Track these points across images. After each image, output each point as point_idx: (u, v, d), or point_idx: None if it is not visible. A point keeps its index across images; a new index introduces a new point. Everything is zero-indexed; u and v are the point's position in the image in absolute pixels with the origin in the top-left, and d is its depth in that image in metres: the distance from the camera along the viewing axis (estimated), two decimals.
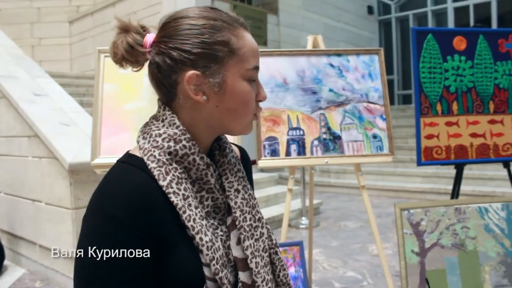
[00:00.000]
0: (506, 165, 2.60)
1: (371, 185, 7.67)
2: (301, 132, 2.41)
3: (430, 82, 2.40)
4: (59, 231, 3.49)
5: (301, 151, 2.39)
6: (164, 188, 0.78)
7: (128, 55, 0.85)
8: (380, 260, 2.41)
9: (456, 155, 2.42)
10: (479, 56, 2.46)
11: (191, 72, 0.81)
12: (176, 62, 0.81)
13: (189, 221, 0.78)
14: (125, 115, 2.42)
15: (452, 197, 2.65)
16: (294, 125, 2.41)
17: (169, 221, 0.78)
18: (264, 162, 2.36)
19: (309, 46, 2.65)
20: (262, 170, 6.95)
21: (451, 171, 6.74)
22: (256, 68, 0.85)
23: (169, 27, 0.84)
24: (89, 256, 0.73)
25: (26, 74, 4.56)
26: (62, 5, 9.58)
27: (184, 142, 0.82)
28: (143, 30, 0.87)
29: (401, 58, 12.56)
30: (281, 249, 2.30)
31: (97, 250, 0.73)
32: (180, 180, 0.80)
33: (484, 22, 10.30)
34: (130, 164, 0.81)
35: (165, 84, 0.84)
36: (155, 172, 0.79)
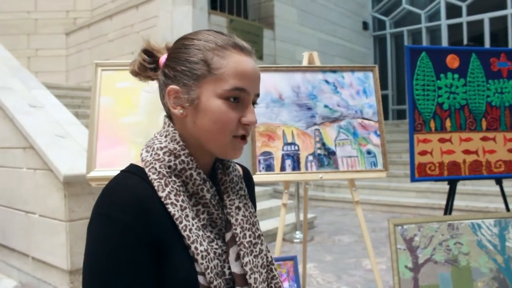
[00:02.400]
0: (498, 181, 2.62)
1: (365, 200, 7.69)
2: (296, 148, 2.43)
3: (424, 99, 2.44)
4: (53, 243, 3.48)
5: (296, 166, 2.40)
6: (163, 199, 0.82)
7: (140, 71, 0.96)
8: (374, 275, 2.42)
9: (449, 171, 2.45)
10: (472, 74, 2.50)
11: (170, 87, 0.87)
12: (166, 78, 0.90)
13: (185, 230, 0.82)
14: (121, 128, 2.43)
15: (445, 213, 2.67)
16: (289, 140, 2.43)
17: (167, 229, 0.81)
18: (259, 176, 2.37)
19: (305, 62, 2.68)
20: (258, 184, 6.95)
21: (445, 186, 6.77)
22: (238, 89, 0.85)
23: (171, 48, 0.93)
24: (97, 262, 0.76)
25: (22, 86, 4.56)
26: (59, 17, 9.63)
27: (183, 157, 0.87)
28: (167, 50, 0.95)
29: (396, 73, 12.67)
30: (275, 263, 2.30)
31: (105, 255, 0.76)
32: (178, 192, 0.84)
33: (477, 40, 10.46)
34: (132, 173, 0.85)
35: (163, 99, 0.92)
36: (155, 184, 0.83)
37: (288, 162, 2.40)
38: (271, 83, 2.48)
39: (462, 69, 2.48)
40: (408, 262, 2.09)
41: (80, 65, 9.20)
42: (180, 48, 0.89)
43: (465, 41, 10.94)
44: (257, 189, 6.44)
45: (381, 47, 13.06)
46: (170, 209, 0.82)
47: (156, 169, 0.85)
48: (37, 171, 3.64)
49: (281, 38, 9.49)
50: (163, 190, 0.83)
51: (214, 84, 0.85)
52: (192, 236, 0.82)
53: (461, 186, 7.15)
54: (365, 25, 12.68)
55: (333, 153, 2.45)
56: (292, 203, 6.15)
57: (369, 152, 2.47)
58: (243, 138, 0.89)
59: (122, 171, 0.87)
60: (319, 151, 2.44)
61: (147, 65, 0.95)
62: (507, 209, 2.67)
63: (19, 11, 9.46)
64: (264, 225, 5.50)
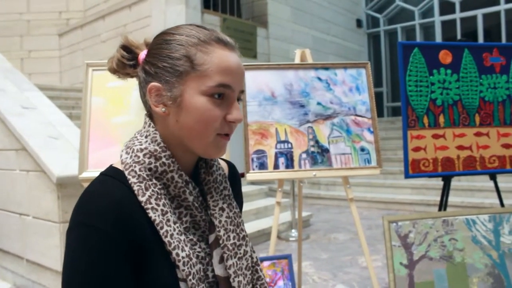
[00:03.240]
0: (492, 177, 2.62)
1: (360, 197, 7.69)
2: (289, 145, 2.42)
3: (417, 95, 2.43)
4: (47, 245, 3.45)
5: (289, 164, 2.39)
6: (143, 204, 0.79)
7: (119, 68, 0.91)
8: (369, 272, 2.41)
9: (443, 167, 2.44)
10: (465, 70, 2.50)
11: (152, 84, 0.83)
12: (147, 75, 0.86)
13: (166, 236, 0.79)
14: (113, 128, 2.41)
15: (439, 209, 2.67)
16: (282, 138, 2.42)
17: (147, 235, 0.79)
18: (252, 175, 2.36)
19: (297, 60, 2.67)
20: (253, 182, 6.95)
21: (440, 182, 6.77)
22: (223, 85, 0.82)
23: (151, 44, 0.89)
24: (76, 271, 0.74)
25: (15, 87, 4.53)
26: (51, 18, 9.58)
27: (164, 159, 0.83)
28: (146, 46, 0.92)
29: (390, 70, 12.69)
30: (269, 262, 2.29)
31: (84, 265, 0.73)
32: (159, 196, 0.81)
33: (470, 36, 10.49)
34: (111, 177, 0.82)
35: (143, 97, 0.88)
36: (135, 187, 0.80)
37: (282, 160, 2.39)
38: (264, 81, 2.47)
39: (454, 65, 2.48)
40: (403, 259, 2.09)
41: (73, 66, 9.16)
42: (161, 43, 0.85)
43: (459, 37, 10.96)
44: (252, 187, 6.44)
45: (375, 45, 13.07)
46: (151, 214, 0.79)
47: (136, 172, 0.82)
48: (30, 172, 3.61)
49: (275, 37, 9.48)
50: (143, 195, 0.80)
51: (197, 80, 0.81)
52: (174, 242, 0.80)
53: (456, 182, 7.16)
54: (359, 23, 12.69)
55: (327, 150, 2.44)
56: (287, 202, 6.14)
57: (362, 149, 2.47)
58: (226, 135, 0.86)
59: (101, 174, 0.84)
60: (312, 149, 2.43)
61: (126, 62, 0.91)
62: (502, 204, 2.67)
63: (11, 12, 9.41)
64: (260, 224, 5.49)
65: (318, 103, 2.48)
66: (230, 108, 0.84)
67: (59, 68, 9.55)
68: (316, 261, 4.49)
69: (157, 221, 0.79)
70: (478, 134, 2.50)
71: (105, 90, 2.45)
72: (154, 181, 0.82)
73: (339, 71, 2.54)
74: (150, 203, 0.79)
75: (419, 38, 11.89)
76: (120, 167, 0.84)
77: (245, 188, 6.43)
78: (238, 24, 8.63)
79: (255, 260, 0.96)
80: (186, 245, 0.82)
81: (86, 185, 2.27)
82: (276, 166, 2.39)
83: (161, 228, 0.79)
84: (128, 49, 0.92)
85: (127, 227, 0.76)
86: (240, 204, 1.05)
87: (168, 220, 0.80)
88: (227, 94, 0.83)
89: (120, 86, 2.38)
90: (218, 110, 0.82)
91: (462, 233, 2.13)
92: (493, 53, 2.55)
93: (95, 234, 0.74)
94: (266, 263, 2.27)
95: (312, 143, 2.43)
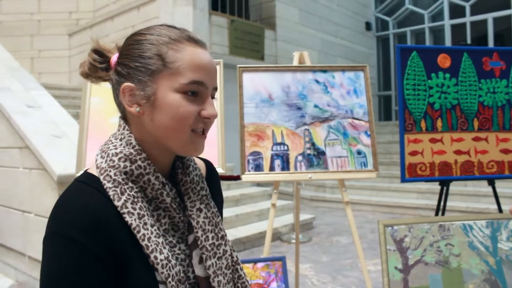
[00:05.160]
0: (490, 182, 2.60)
1: (366, 200, 7.66)
2: (285, 148, 2.42)
3: (415, 99, 2.42)
4: None
5: (285, 166, 2.39)
6: (119, 209, 0.79)
7: (91, 72, 0.92)
8: (364, 276, 2.40)
9: (440, 172, 2.43)
10: (464, 74, 2.48)
11: (125, 84, 0.84)
12: (120, 76, 0.86)
13: (143, 240, 0.79)
14: (110, 128, 2.43)
15: (436, 214, 2.65)
16: (279, 140, 2.42)
17: (125, 240, 0.79)
18: (248, 176, 2.37)
19: (295, 62, 2.67)
20: (258, 184, 6.95)
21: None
22: (196, 82, 0.82)
23: (123, 45, 0.90)
24: (52, 282, 0.73)
25: (21, 86, 4.59)
26: (62, 18, 9.67)
27: (139, 162, 0.84)
28: (118, 50, 0.92)
29: None
30: (263, 264, 2.29)
31: (60, 276, 0.73)
32: (135, 199, 0.81)
33: (481, 40, 10.39)
34: (85, 183, 0.82)
35: (117, 99, 0.88)
36: (111, 192, 0.80)
37: (278, 162, 2.40)
38: (261, 83, 2.48)
39: (453, 69, 2.46)
40: (398, 263, 2.07)
41: None
42: (132, 44, 0.86)
43: (469, 41, 10.87)
44: (256, 189, 6.45)
45: (384, 48, 13.01)
46: (127, 218, 0.79)
47: (111, 176, 0.81)
48: (33, 170, 3.65)
49: (282, 39, 9.47)
50: (119, 199, 0.80)
51: (170, 78, 0.82)
52: (151, 245, 0.80)
53: (461, 187, 7.10)
54: (368, 26, 12.64)
55: (323, 153, 2.43)
56: (290, 204, 6.14)
57: (359, 152, 2.46)
58: (202, 133, 0.86)
59: (75, 181, 0.84)
60: (308, 151, 2.42)
61: (98, 65, 0.91)
62: (500, 210, 2.65)
63: (22, 12, 9.52)
64: (262, 226, 5.49)
65: (315, 106, 2.48)
66: (204, 104, 0.84)
67: (69, 68, 9.63)
68: (317, 264, 4.48)
69: (133, 225, 0.79)
70: (476, 139, 2.48)
71: (104, 90, 2.47)
72: (130, 184, 0.82)
73: (337, 74, 2.54)
74: (126, 207, 0.79)
75: (428, 41, 11.82)
76: (95, 172, 0.84)
77: (249, 190, 6.43)
78: (246, 26, 8.64)
79: (235, 259, 0.96)
80: (165, 248, 0.82)
81: None
82: (272, 168, 2.39)
83: (138, 232, 0.79)
84: (100, 53, 0.92)
85: (103, 235, 0.76)
86: (220, 203, 1.05)
87: (145, 224, 0.80)
88: (200, 91, 0.84)
89: None
90: (192, 106, 0.83)
91: (459, 238, 2.12)
92: (493, 58, 2.53)
93: (71, 244, 0.74)
94: (259, 265, 2.27)
95: (308, 145, 2.43)
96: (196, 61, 0.83)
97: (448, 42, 11.37)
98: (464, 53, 2.49)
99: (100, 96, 2.49)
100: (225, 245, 0.93)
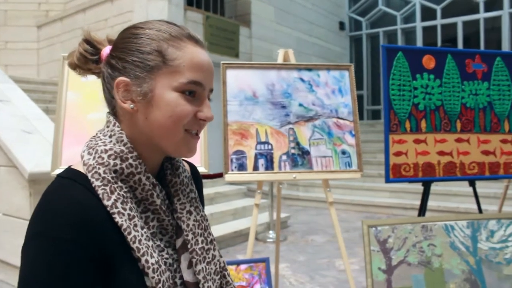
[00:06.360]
0: (471, 183, 2.62)
1: (339, 199, 7.70)
2: (270, 147, 2.37)
3: (400, 99, 2.41)
4: (17, 243, 3.34)
5: (269, 166, 2.35)
6: (108, 208, 0.75)
7: (80, 63, 0.88)
8: (347, 276, 2.39)
9: (423, 172, 2.43)
10: (447, 75, 2.49)
11: (120, 79, 0.80)
12: (113, 70, 0.82)
13: (134, 242, 0.75)
14: (88, 124, 2.34)
15: (419, 214, 2.65)
16: (263, 139, 2.38)
17: (114, 241, 0.74)
18: (231, 176, 2.31)
19: (280, 60, 2.63)
20: (231, 183, 6.90)
21: (417, 186, 6.83)
22: (195, 83, 0.80)
23: (118, 38, 0.85)
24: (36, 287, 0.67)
25: None
26: (30, 9, 9.36)
27: (130, 161, 0.79)
28: (110, 43, 0.87)
29: (371, 73, 12.78)
30: (246, 265, 2.25)
31: (45, 280, 0.67)
32: (125, 199, 0.77)
33: (450, 42, 10.63)
34: (71, 179, 0.76)
35: (108, 94, 0.84)
36: (100, 191, 0.75)
37: (261, 161, 2.35)
38: (245, 81, 2.42)
39: (438, 70, 2.47)
40: (381, 264, 2.07)
41: (52, 59, 8.96)
42: (129, 37, 0.82)
43: (439, 43, 11.11)
44: (231, 187, 6.40)
45: (357, 47, 13.15)
46: (117, 219, 0.74)
47: (100, 174, 0.76)
48: (1, 167, 3.50)
49: (257, 36, 9.43)
50: (109, 198, 0.75)
51: (169, 76, 0.79)
52: (142, 248, 0.75)
53: (433, 187, 7.21)
54: (341, 25, 12.74)
55: (307, 152, 2.40)
56: (266, 202, 6.11)
57: (343, 152, 2.44)
58: (196, 135, 0.84)
59: (59, 177, 0.78)
60: (293, 151, 2.39)
61: (89, 56, 0.87)
62: (480, 210, 2.68)
63: None
64: (237, 225, 5.45)
65: (300, 105, 2.45)
66: (201, 106, 0.82)
67: (37, 61, 9.34)
68: (293, 263, 4.46)
69: (124, 226, 0.74)
70: (459, 140, 2.49)
71: (81, 85, 2.38)
72: (119, 183, 0.78)
73: (322, 73, 2.51)
74: (116, 207, 0.75)
75: (400, 42, 12.02)
76: (81, 168, 0.79)
77: (223, 188, 6.38)
78: (221, 22, 8.55)
79: (222, 264, 0.94)
80: (155, 251, 0.78)
81: None
82: (255, 168, 2.34)
83: (129, 233, 0.75)
84: (91, 44, 0.88)
85: (91, 235, 0.71)
86: (203, 205, 1.02)
87: (136, 225, 0.76)
88: (198, 92, 0.81)
89: (96, 81, 2.30)
90: (190, 106, 0.80)
91: (441, 238, 2.13)
92: (475, 60, 2.55)
93: (57, 245, 0.68)
94: (243, 267, 2.22)
95: (292, 144, 2.39)
96: (196, 61, 0.81)
97: (419, 44, 11.60)
98: (448, 54, 2.50)
99: (78, 91, 2.39)
100: (214, 249, 0.91)
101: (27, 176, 3.17)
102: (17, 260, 3.33)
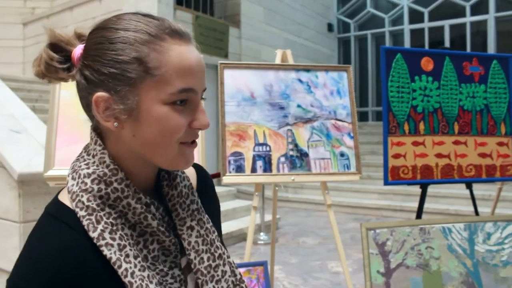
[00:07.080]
0: (468, 185, 2.63)
1: None
2: (268, 148, 2.34)
3: (399, 101, 2.40)
4: (5, 246, 3.26)
5: (267, 168, 2.32)
6: (95, 241, 0.68)
7: (49, 73, 0.75)
8: (345, 278, 2.37)
9: (422, 175, 2.42)
10: (445, 78, 2.49)
11: (97, 95, 0.69)
12: (88, 82, 0.70)
13: (126, 276, 0.68)
14: (82, 124, 2.28)
15: (417, 217, 2.65)
16: (261, 140, 2.34)
17: (106, 279, 0.68)
18: (229, 178, 2.28)
19: (277, 60, 2.60)
20: (224, 185, 6.85)
21: (406, 188, 6.87)
22: (186, 90, 0.69)
23: (89, 39, 0.73)
24: None
25: None
26: (16, 5, 9.21)
27: (115, 185, 0.71)
28: (81, 40, 0.76)
29: (359, 76, 12.84)
30: (244, 269, 2.21)
31: None
32: (114, 228, 0.70)
33: (438, 45, 10.74)
34: (55, 217, 0.71)
35: (86, 108, 0.74)
36: (85, 222, 0.68)
37: (260, 163, 2.32)
38: (243, 81, 2.39)
39: (436, 72, 2.47)
40: (380, 267, 2.05)
41: None
42: (102, 43, 0.70)
43: (426, 46, 11.21)
44: (221, 189, 6.36)
45: (345, 49, 13.20)
46: (105, 252, 0.67)
47: (83, 203, 0.69)
48: None
49: (247, 37, 9.41)
50: (95, 229, 0.68)
51: (155, 87, 0.68)
52: (136, 281, 0.68)
53: (429, 189, 7.24)
54: (330, 27, 12.78)
55: (306, 154, 2.38)
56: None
57: (342, 154, 2.42)
58: (193, 142, 0.75)
59: (45, 212, 0.73)
60: (291, 152, 2.36)
61: (58, 65, 0.74)
62: (476, 213, 2.68)
63: None
64: (228, 226, 5.41)
65: (298, 106, 2.42)
66: (195, 113, 0.72)
67: (23, 59, 9.19)
68: (286, 266, 4.44)
69: (113, 259, 0.68)
70: (456, 143, 2.49)
71: (74, 83, 2.32)
72: (107, 210, 0.70)
73: (320, 74, 2.49)
74: (104, 239, 0.68)
75: (388, 44, 12.11)
76: (66, 198, 0.72)
77: None
78: (211, 22, 8.51)
79: (238, 277, 0.83)
80: (151, 282, 0.70)
81: (51, 184, 2.14)
82: (253, 170, 2.30)
83: (119, 267, 0.68)
84: (58, 47, 0.76)
85: (68, 284, 0.66)
86: (215, 211, 0.94)
87: (128, 256, 0.69)
88: (190, 98, 0.71)
89: None
90: (182, 118, 0.70)
91: (439, 241, 2.12)
92: (472, 62, 2.55)
93: None
94: (241, 270, 2.19)
95: (291, 146, 2.36)
96: (184, 64, 0.69)
97: (407, 46, 11.68)
98: (446, 57, 2.50)
99: (70, 89, 2.34)
100: (224, 265, 0.81)
101: (16, 177, 3.09)
102: (5, 264, 3.26)
